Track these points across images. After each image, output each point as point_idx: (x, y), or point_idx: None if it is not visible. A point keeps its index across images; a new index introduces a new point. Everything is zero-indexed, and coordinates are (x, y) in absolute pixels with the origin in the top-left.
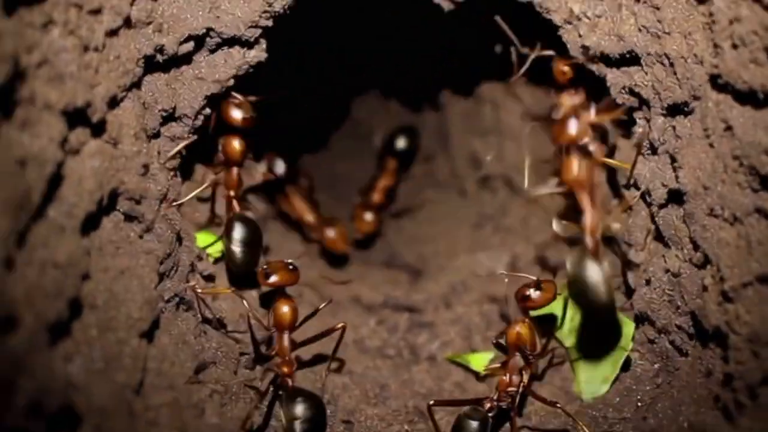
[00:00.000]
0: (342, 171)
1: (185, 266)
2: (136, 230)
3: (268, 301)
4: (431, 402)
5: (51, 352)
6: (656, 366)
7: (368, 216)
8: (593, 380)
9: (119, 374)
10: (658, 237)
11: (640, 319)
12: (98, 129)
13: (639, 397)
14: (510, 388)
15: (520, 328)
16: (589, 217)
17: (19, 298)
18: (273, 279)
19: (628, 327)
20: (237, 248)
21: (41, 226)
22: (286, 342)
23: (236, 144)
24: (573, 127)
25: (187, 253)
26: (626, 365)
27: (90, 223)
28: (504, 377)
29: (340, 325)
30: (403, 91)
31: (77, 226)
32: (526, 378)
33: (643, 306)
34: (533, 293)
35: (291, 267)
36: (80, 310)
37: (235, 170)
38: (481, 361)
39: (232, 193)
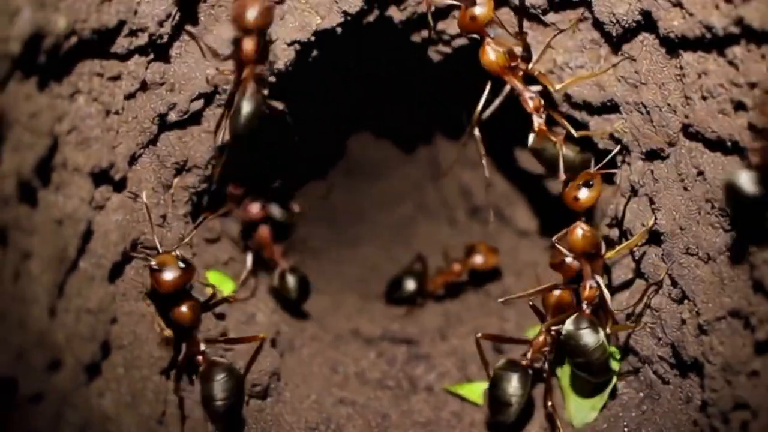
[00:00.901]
0: (339, 204)
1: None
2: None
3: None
4: (479, 335)
5: (88, 389)
6: (641, 394)
7: None
8: (582, 408)
9: (144, 407)
10: (639, 275)
11: (625, 351)
12: (120, 185)
13: (625, 423)
14: (590, 294)
15: (582, 230)
16: (587, 285)
17: (61, 343)
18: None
19: (614, 360)
20: None
21: (75, 276)
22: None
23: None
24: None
25: (199, 293)
26: (613, 393)
27: (115, 272)
28: (539, 338)
29: (261, 335)
30: (396, 133)
31: (105, 275)
32: (602, 282)
33: (627, 338)
34: (582, 193)
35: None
36: (109, 351)
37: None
38: (476, 390)
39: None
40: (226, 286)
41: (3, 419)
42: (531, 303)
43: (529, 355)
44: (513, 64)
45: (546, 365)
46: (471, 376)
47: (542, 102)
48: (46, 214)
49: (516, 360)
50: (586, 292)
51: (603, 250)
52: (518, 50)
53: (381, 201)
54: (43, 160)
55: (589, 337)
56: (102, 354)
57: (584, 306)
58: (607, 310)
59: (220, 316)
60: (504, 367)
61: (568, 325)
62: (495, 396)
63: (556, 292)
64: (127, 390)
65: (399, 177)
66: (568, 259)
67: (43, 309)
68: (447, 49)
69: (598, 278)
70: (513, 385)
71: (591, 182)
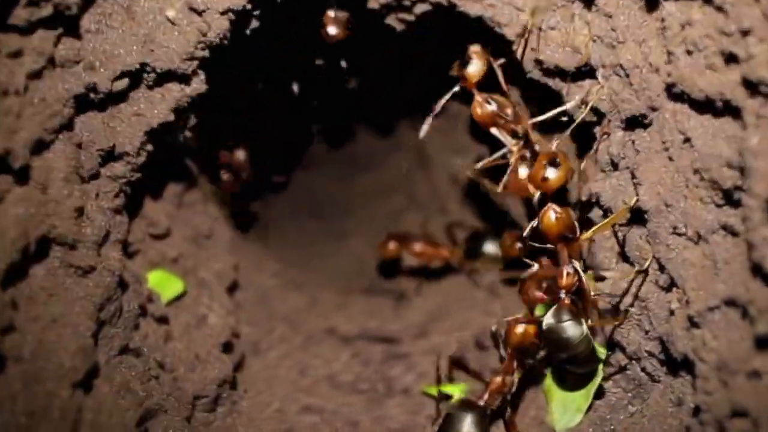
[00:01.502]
0: (318, 189)
1: (133, 310)
2: (72, 276)
3: None
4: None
5: None
6: (629, 394)
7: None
8: (567, 410)
9: (45, 428)
10: (624, 258)
11: (611, 346)
12: (22, 175)
13: (612, 427)
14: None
15: (526, 327)
16: (564, 272)
17: None
18: None
19: (600, 354)
20: None
21: None
22: None
23: None
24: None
25: (134, 296)
26: (600, 394)
27: (15, 273)
28: (496, 378)
29: None
30: (376, 117)
31: None
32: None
33: (612, 331)
34: (550, 172)
35: None
36: (2, 365)
37: None
38: (456, 392)
39: None
40: (173, 287)
41: None
42: (493, 330)
43: (485, 396)
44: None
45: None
46: (452, 378)
47: (575, 281)
48: None
49: (471, 400)
50: (564, 280)
51: (578, 233)
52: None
53: (369, 192)
54: None
55: (571, 330)
56: None
57: (563, 295)
58: (587, 298)
59: (163, 320)
60: (458, 406)
61: (548, 319)
62: None
63: (520, 329)
64: (23, 409)
65: (387, 167)
66: (539, 294)
67: None
68: (409, 17)
69: (576, 264)
70: (466, 428)
71: (557, 160)
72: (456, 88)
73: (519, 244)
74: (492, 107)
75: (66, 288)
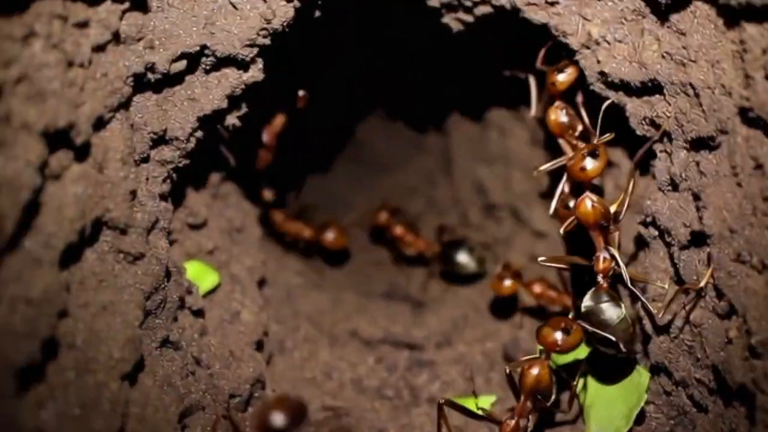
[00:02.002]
0: (343, 193)
1: (174, 301)
2: (122, 262)
3: None
4: (442, 401)
5: (20, 400)
6: (672, 421)
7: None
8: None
9: (97, 421)
10: (678, 281)
11: (657, 370)
12: (82, 152)
13: None
14: (604, 266)
15: (540, 370)
16: (601, 258)
17: None
18: None
19: (644, 377)
20: None
21: (14, 258)
22: None
23: None
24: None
25: (175, 286)
26: (640, 418)
27: (70, 255)
28: (509, 421)
29: None
30: (408, 113)
31: (55, 258)
32: (531, 424)
33: (660, 356)
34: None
35: None
36: (56, 351)
37: None
38: (483, 406)
39: None
40: (209, 279)
41: None
42: (507, 372)
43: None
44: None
45: None
46: (477, 389)
47: (612, 266)
48: None
49: None
50: (601, 265)
51: (615, 221)
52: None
53: (389, 195)
54: None
55: (610, 311)
56: (44, 355)
57: (600, 279)
58: (624, 284)
59: (198, 313)
60: None
61: (587, 301)
62: None
63: (534, 371)
64: (77, 400)
65: (409, 169)
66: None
67: None
68: (468, 18)
69: (612, 249)
70: None
71: (596, 152)
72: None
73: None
74: (565, 118)
75: (115, 275)
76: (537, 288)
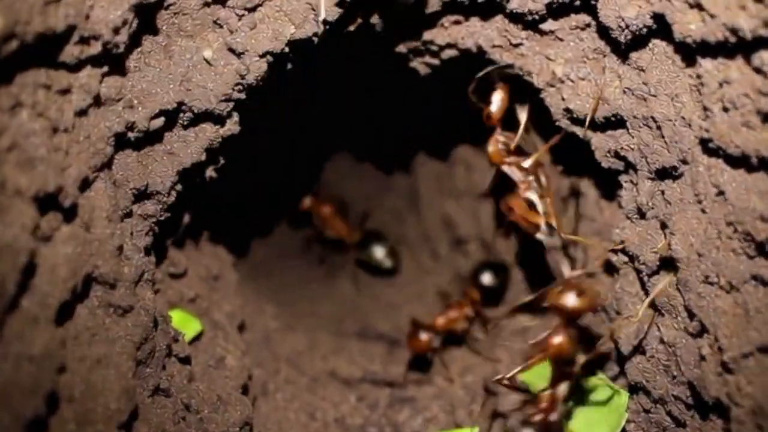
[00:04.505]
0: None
1: (162, 350)
2: (112, 316)
3: None
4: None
5: None
6: None
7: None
8: None
9: None
10: (650, 304)
11: (635, 389)
12: (70, 213)
13: None
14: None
15: (561, 337)
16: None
17: None
18: None
19: (623, 398)
20: None
21: (15, 317)
22: None
23: None
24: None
25: (163, 335)
26: None
27: (64, 312)
28: (543, 393)
29: None
30: (375, 155)
31: (52, 316)
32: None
33: (638, 375)
34: (571, 300)
35: None
36: (57, 404)
37: None
38: None
39: None
40: (192, 327)
41: None
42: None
43: (537, 415)
44: None
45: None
46: (459, 422)
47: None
48: None
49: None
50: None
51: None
52: None
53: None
54: None
55: None
56: (47, 408)
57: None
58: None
59: (185, 360)
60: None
61: None
62: None
63: (557, 339)
64: None
65: (378, 209)
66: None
67: None
68: (435, 61)
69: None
70: None
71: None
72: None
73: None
74: (501, 147)
75: (107, 328)
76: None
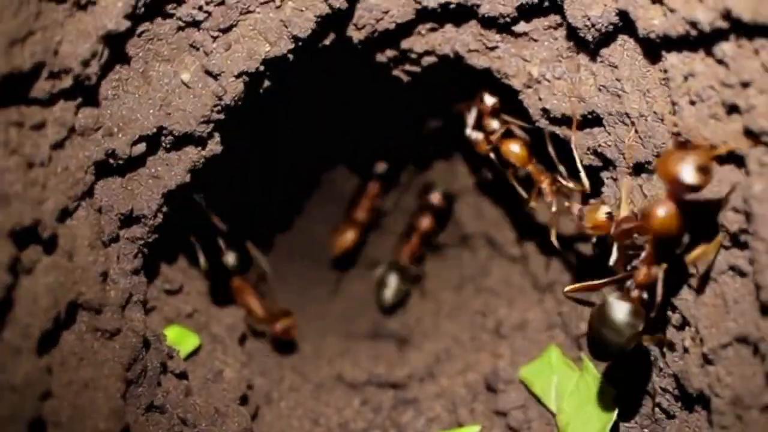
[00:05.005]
0: (317, 235)
1: (155, 368)
2: (100, 339)
3: None
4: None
5: None
6: (646, 430)
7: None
8: None
9: None
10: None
11: (625, 383)
12: (50, 245)
13: None
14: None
15: (667, 210)
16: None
17: None
18: None
19: (613, 392)
20: None
21: None
22: None
23: None
24: None
25: (156, 354)
26: (616, 430)
27: (48, 340)
28: (639, 270)
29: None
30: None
31: (33, 346)
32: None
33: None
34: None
35: None
36: (44, 430)
37: None
38: None
39: None
40: (190, 341)
41: None
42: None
43: (633, 292)
44: None
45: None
46: (462, 421)
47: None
48: None
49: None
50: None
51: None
52: None
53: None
54: None
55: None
56: None
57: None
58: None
59: (182, 375)
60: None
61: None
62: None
63: (661, 211)
64: None
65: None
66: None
67: None
68: (416, 68)
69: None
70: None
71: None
72: None
73: None
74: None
75: (95, 351)
76: None
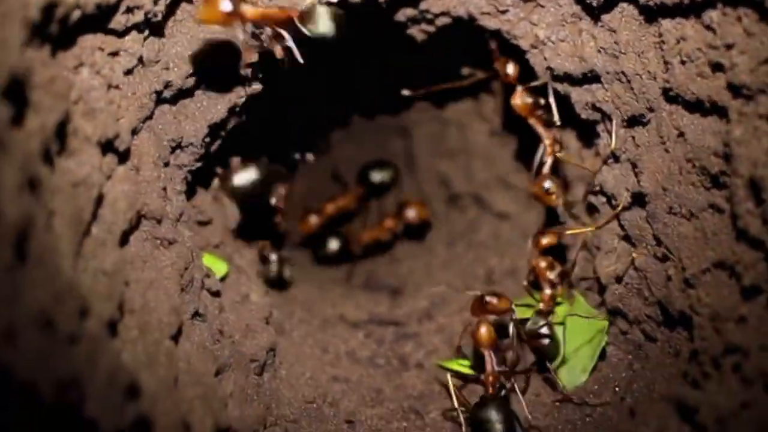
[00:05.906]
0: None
1: (198, 281)
2: (159, 248)
3: None
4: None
5: (112, 343)
6: (630, 356)
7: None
8: (573, 371)
9: (158, 369)
10: (625, 237)
11: (614, 314)
12: (124, 157)
13: (616, 383)
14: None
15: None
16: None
17: (86, 296)
18: None
19: (603, 324)
20: None
21: (89, 240)
22: None
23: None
24: None
25: (197, 270)
26: (603, 355)
27: (123, 240)
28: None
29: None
30: (373, 119)
31: (116, 241)
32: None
33: (615, 301)
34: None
35: None
36: (123, 314)
37: None
38: (464, 368)
39: None
40: (219, 268)
41: (43, 356)
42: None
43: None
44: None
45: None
46: (459, 353)
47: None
48: (63, 179)
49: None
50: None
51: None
52: None
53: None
54: (60, 124)
55: None
56: (119, 314)
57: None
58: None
59: (217, 294)
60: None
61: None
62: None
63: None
64: (143, 351)
65: None
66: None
67: (69, 263)
68: (431, 28)
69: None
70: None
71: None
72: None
73: None
74: (530, 99)
75: (155, 257)
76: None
